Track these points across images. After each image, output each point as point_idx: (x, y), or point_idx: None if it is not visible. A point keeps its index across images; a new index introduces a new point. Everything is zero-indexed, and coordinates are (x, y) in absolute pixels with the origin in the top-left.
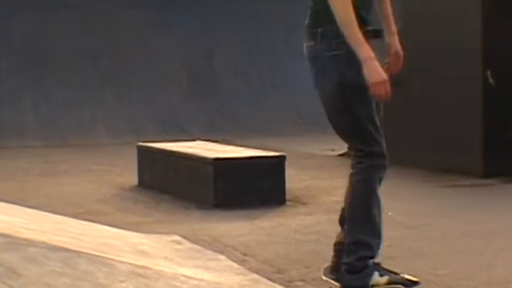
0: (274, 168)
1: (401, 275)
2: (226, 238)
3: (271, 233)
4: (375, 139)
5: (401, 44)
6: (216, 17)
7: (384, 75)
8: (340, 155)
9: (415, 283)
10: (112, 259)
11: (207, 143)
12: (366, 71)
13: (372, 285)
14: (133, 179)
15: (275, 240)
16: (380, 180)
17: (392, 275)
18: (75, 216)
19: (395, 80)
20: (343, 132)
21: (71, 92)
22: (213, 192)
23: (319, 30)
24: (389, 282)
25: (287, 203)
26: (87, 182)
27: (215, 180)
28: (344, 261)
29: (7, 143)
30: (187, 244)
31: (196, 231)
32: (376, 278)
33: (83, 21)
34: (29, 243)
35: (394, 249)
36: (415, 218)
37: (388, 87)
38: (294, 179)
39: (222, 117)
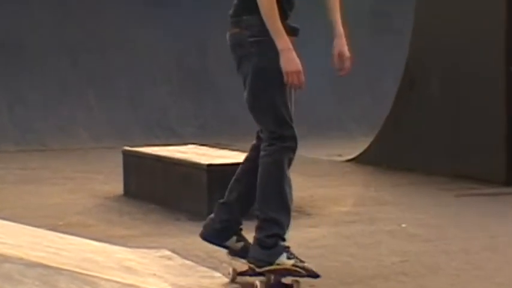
0: None
1: (305, 263)
2: (222, 253)
3: None
4: (288, 123)
5: (348, 45)
6: (209, 8)
7: (299, 66)
8: (348, 161)
9: (314, 275)
10: (95, 276)
11: (200, 147)
12: (283, 61)
13: (278, 264)
14: (118, 187)
15: None
16: (289, 162)
17: (299, 261)
18: (54, 228)
19: (411, 80)
20: (259, 114)
21: (49, 91)
22: (207, 202)
23: (244, 18)
24: (294, 265)
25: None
26: (67, 191)
27: (209, 189)
28: (255, 236)
29: None
30: (178, 260)
31: (188, 246)
32: (283, 259)
33: (62, 13)
34: (4, 258)
35: (408, 264)
36: (431, 231)
37: (302, 78)
38: (296, 187)
39: (216, 118)
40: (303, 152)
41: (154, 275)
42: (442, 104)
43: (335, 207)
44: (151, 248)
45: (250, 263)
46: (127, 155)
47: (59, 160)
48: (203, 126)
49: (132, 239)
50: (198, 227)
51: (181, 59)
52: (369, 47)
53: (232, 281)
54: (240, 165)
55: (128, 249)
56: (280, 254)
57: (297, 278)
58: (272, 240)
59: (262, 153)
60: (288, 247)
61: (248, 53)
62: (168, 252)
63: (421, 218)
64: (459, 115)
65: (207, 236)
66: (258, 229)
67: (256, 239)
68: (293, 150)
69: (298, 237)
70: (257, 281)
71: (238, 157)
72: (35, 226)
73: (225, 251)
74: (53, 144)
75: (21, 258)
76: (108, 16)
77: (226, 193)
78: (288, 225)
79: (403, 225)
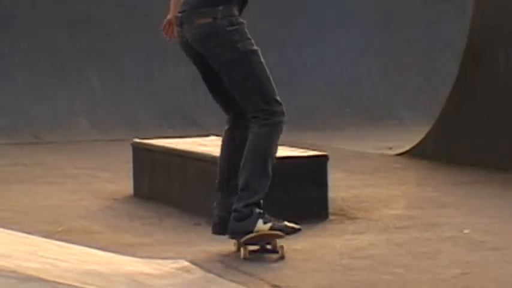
0: (313, 173)
1: (284, 222)
2: (251, 264)
3: (310, 258)
4: (276, 99)
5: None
6: None
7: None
8: (400, 154)
9: (296, 230)
10: None
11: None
12: None
13: (256, 231)
14: (127, 187)
15: (315, 267)
16: (279, 136)
17: (275, 222)
18: (51, 235)
19: (474, 55)
20: (250, 97)
21: (44, 73)
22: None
23: (220, 8)
24: (271, 228)
25: (330, 217)
26: (66, 191)
27: None
28: (234, 207)
29: None
30: (199, 272)
31: (211, 256)
32: (260, 225)
33: None
34: None
35: (472, 277)
36: (499, 238)
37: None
38: (339, 186)
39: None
40: (345, 144)
41: None
42: (509, 84)
43: (385, 210)
44: (166, 258)
45: (231, 238)
46: (137, 148)
47: (56, 155)
48: None
49: (143, 248)
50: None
51: None
52: (420, 18)
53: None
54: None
55: (139, 260)
56: (256, 221)
57: (281, 244)
58: (248, 209)
59: (254, 127)
60: (264, 212)
61: (227, 41)
62: (186, 263)
63: (487, 222)
64: None
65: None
66: (237, 199)
67: (234, 209)
68: (282, 123)
69: (341, 245)
70: (242, 249)
71: None
72: (28, 233)
73: (253, 261)
74: (49, 136)
75: (12, 271)
76: None
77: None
78: (264, 194)
79: (466, 231)
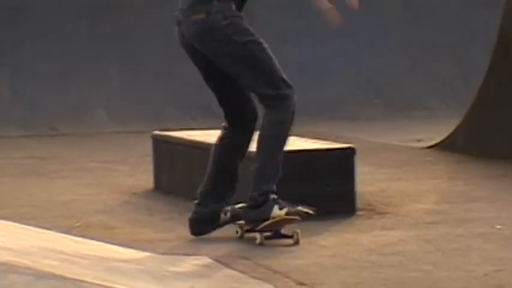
0: (339, 166)
1: (299, 207)
2: (275, 261)
3: (337, 255)
4: (286, 81)
5: None
6: None
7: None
8: (430, 147)
9: (311, 215)
10: None
11: None
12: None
13: (273, 218)
14: (147, 180)
15: (342, 264)
16: (291, 120)
17: (290, 207)
18: (69, 231)
19: (506, 45)
20: (261, 84)
21: (61, 64)
22: None
23: (215, 3)
24: (287, 214)
25: (358, 212)
26: (84, 185)
27: None
28: (249, 194)
29: None
30: (221, 269)
31: (234, 252)
32: (276, 211)
33: None
34: (8, 268)
35: (505, 274)
36: None
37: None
38: (367, 180)
39: None
40: (373, 136)
41: (192, 287)
42: None
43: (414, 205)
44: (188, 254)
45: (248, 225)
46: (157, 140)
47: (73, 148)
48: None
49: (164, 243)
50: None
51: None
52: (451, 5)
53: (241, 238)
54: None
55: (160, 257)
56: (271, 208)
57: (296, 230)
58: (263, 197)
59: (266, 114)
60: (278, 197)
61: (223, 36)
62: (209, 260)
63: None
64: None
65: (197, 231)
66: (252, 186)
67: (249, 198)
68: (295, 107)
69: (369, 241)
70: (258, 234)
71: (295, 143)
72: (45, 228)
73: (279, 257)
74: (66, 128)
75: (29, 268)
76: None
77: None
78: (279, 177)
79: (499, 227)
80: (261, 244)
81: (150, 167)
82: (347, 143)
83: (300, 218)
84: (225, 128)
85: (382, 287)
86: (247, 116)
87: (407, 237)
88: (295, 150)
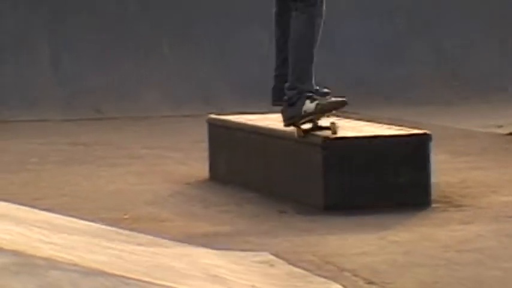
0: (413, 154)
1: (331, 98)
2: (343, 258)
3: (410, 251)
4: None
5: None
6: None
7: None
8: (511, 134)
9: (344, 103)
10: None
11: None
12: None
13: (305, 111)
14: (202, 169)
15: (416, 262)
16: (320, 17)
17: (321, 99)
18: (116, 224)
19: None
20: None
21: (108, 40)
22: (323, 188)
23: None
24: (318, 105)
25: (433, 205)
26: (132, 174)
27: (325, 172)
28: (285, 94)
29: (13, 115)
30: (285, 267)
31: (298, 248)
32: (308, 104)
33: None
34: (50, 264)
35: None
36: None
37: None
38: (443, 170)
39: (334, 76)
40: (450, 121)
41: (253, 286)
42: None
43: (494, 197)
44: (247, 250)
45: (286, 124)
46: (213, 125)
47: (121, 132)
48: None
49: (220, 238)
50: (311, 223)
51: None
52: None
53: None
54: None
55: (216, 253)
56: (303, 103)
57: (334, 121)
58: (296, 94)
59: (297, 16)
60: (312, 94)
61: None
62: (270, 257)
63: None
64: None
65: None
66: (287, 85)
67: (286, 99)
68: (323, 5)
69: (446, 236)
70: (295, 129)
71: (365, 129)
72: (91, 221)
73: (346, 254)
74: (113, 111)
75: (74, 264)
76: None
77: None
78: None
79: None
80: (299, 137)
81: (204, 154)
82: (421, 129)
83: (332, 107)
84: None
85: (459, 287)
86: None
87: (486, 232)
88: (363, 136)
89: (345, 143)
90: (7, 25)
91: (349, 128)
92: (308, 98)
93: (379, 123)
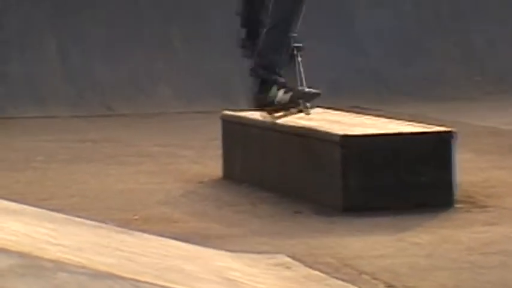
0: (436, 152)
1: (304, 89)
2: (362, 260)
3: (433, 253)
4: None
5: None
6: None
7: None
8: None
9: (317, 94)
10: None
11: (330, 111)
12: None
13: (278, 102)
14: (215, 168)
15: (438, 265)
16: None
17: (295, 89)
18: (126, 225)
19: None
20: None
21: (118, 32)
22: (341, 188)
23: None
24: (292, 97)
25: (456, 205)
26: (143, 172)
27: (344, 170)
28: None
29: (20, 111)
30: (301, 269)
31: (315, 250)
32: (281, 95)
33: None
34: (57, 266)
35: None
36: None
37: None
38: (467, 169)
39: (354, 71)
40: (475, 119)
41: None
42: None
43: None
44: (262, 252)
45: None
46: (228, 122)
47: (131, 130)
48: (335, 81)
49: (235, 239)
50: (329, 224)
51: None
52: None
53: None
54: None
55: (230, 255)
56: (275, 93)
57: (307, 105)
58: (269, 84)
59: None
60: (285, 81)
61: None
62: (286, 259)
63: None
64: None
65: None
66: (256, 75)
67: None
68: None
69: (469, 238)
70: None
71: (385, 126)
72: (100, 221)
73: (366, 256)
74: (123, 107)
75: (82, 266)
76: None
77: None
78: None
79: None
80: (270, 120)
81: (218, 152)
82: (444, 126)
83: (305, 101)
84: None
85: None
86: None
87: None
88: (384, 133)
89: (364, 140)
90: (13, 21)
91: (369, 125)
92: (281, 88)
93: (398, 119)
